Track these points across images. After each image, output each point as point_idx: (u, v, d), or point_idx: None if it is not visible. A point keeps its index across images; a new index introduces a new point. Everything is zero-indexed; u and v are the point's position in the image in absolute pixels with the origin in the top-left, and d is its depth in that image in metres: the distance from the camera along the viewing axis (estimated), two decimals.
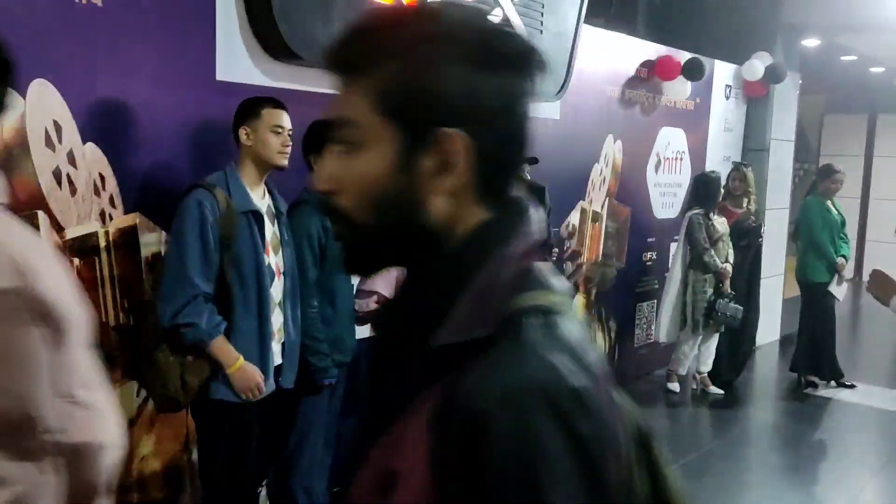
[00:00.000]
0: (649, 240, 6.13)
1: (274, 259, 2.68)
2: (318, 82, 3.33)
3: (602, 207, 5.49)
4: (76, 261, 2.65)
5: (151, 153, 2.83)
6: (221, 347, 2.47)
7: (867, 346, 8.16)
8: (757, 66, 6.53)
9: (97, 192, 2.69)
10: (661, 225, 6.26)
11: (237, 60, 3.06)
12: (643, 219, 6.01)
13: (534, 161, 4.18)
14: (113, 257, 2.74)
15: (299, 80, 3.27)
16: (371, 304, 3.13)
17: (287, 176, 2.86)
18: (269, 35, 3.06)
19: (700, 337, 5.52)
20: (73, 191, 2.62)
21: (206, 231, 2.44)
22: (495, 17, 3.96)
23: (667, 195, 6.29)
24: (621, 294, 5.87)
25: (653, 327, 6.30)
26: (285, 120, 2.64)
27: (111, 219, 2.74)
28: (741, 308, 5.39)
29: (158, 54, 2.81)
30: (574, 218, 5.21)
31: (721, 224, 5.46)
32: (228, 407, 2.52)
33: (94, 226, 2.69)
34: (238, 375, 2.49)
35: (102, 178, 2.70)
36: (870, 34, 7.69)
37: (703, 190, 5.49)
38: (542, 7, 4.28)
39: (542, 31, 4.31)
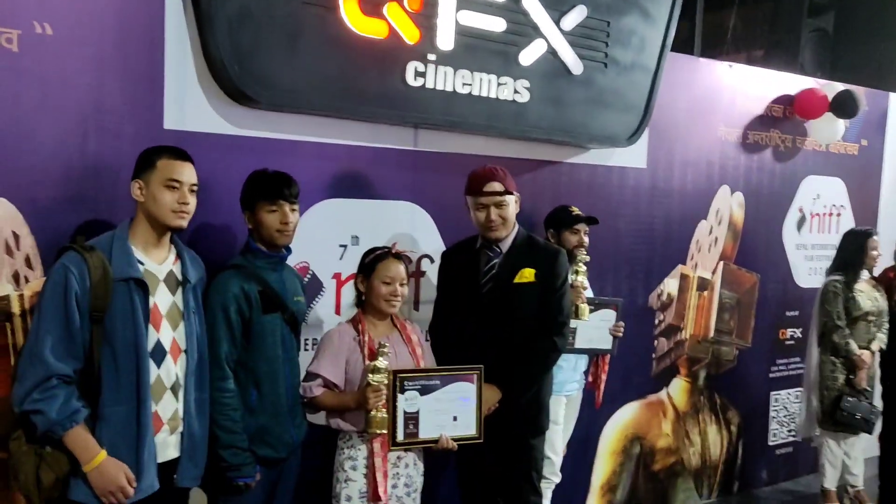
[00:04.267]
0: (789, 314, 5.00)
1: (171, 334, 2.26)
2: (283, 127, 2.94)
3: (714, 273, 4.52)
4: None
5: (79, 211, 2.56)
6: (77, 440, 2.08)
7: None
8: None
9: (9, 252, 2.46)
10: (808, 296, 5.08)
11: (190, 106, 2.74)
12: (779, 288, 4.91)
13: (592, 221, 3.46)
14: (29, 323, 2.48)
15: (265, 126, 2.90)
16: (315, 389, 2.60)
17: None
18: (222, 77, 2.71)
19: (842, 438, 4.31)
20: None
21: (69, 301, 2.08)
22: (538, 50, 3.35)
23: (816, 259, 5.12)
24: (748, 380, 4.80)
25: (797, 421, 5.11)
26: (185, 174, 2.25)
27: (27, 280, 2.49)
28: (877, 409, 4.13)
29: (91, 98, 2.56)
30: (670, 285, 4.32)
31: (871, 298, 4.26)
32: None
33: (5, 288, 2.46)
34: (96, 474, 2.08)
35: (16, 236, 2.47)
36: None
37: (846, 251, 4.35)
38: (607, 36, 3.58)
39: (605, 65, 3.60)
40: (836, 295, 4.21)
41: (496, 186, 2.84)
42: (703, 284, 4.48)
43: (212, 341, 2.38)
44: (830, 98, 4.71)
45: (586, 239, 3.47)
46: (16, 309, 2.48)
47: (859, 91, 4.76)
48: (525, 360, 2.83)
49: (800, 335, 5.06)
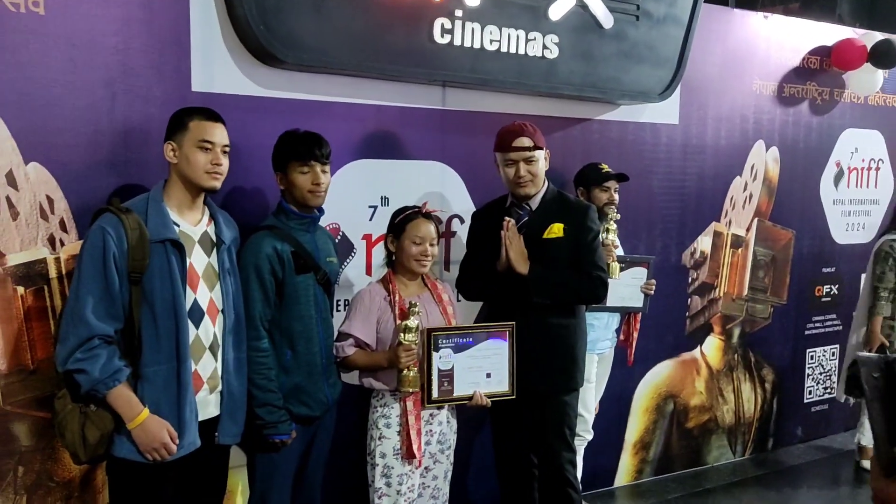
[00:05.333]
0: (825, 270, 4.91)
1: (208, 294, 2.29)
2: (310, 88, 2.93)
3: (748, 231, 4.45)
4: (20, 289, 2.46)
5: (111, 175, 2.58)
6: (121, 398, 2.12)
7: None
8: None
9: (44, 216, 2.49)
10: (846, 252, 4.99)
11: (217, 68, 2.74)
12: (815, 244, 4.82)
13: (622, 178, 3.41)
14: (66, 286, 2.52)
15: (292, 87, 2.88)
16: (347, 349, 2.62)
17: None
18: (248, 37, 2.69)
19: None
20: (15, 214, 2.44)
21: (108, 262, 2.10)
22: (568, 3, 3.28)
23: (855, 214, 5.02)
24: (783, 337, 4.74)
25: (833, 378, 5.06)
26: (217, 134, 2.25)
27: (62, 244, 2.53)
28: None
29: (119, 61, 2.56)
30: (704, 243, 4.26)
31: None
32: (135, 467, 2.17)
33: (41, 252, 2.50)
34: (140, 432, 2.13)
35: (50, 200, 2.50)
36: None
37: None
38: None
39: (637, 18, 3.52)
40: (888, 255, 4.12)
41: (525, 142, 2.81)
42: (737, 242, 4.41)
43: (246, 302, 2.40)
44: (869, 48, 4.55)
45: (616, 196, 3.42)
46: (52, 272, 2.52)
47: None
48: (573, 276, 2.82)
49: (836, 292, 4.98)
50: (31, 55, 2.42)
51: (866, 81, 4.68)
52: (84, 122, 2.52)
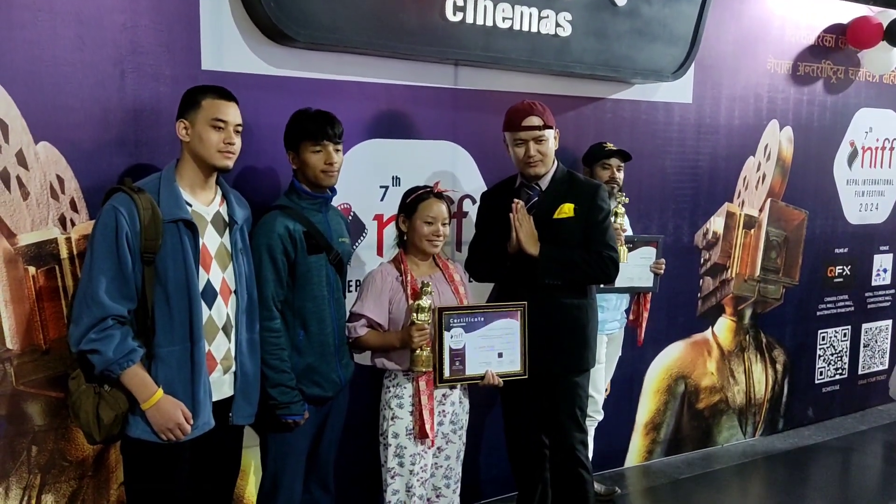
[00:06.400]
0: (838, 251, 4.88)
1: (221, 275, 2.27)
2: (321, 67, 2.89)
3: (761, 211, 4.41)
4: (32, 269, 2.46)
5: (121, 154, 2.56)
6: (135, 378, 2.11)
7: None
8: None
9: (54, 196, 2.48)
10: (859, 232, 4.95)
11: (227, 46, 2.70)
12: (828, 225, 4.78)
13: (624, 155, 3.37)
14: (77, 266, 2.51)
15: (303, 65, 2.85)
16: (359, 329, 2.61)
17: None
18: (259, 15, 2.66)
19: None
20: (25, 194, 2.42)
21: (121, 242, 2.09)
22: None
23: (868, 195, 4.97)
24: (795, 318, 4.72)
25: (844, 359, 5.04)
26: (231, 113, 2.23)
27: (73, 224, 2.51)
28: None
29: (128, 38, 2.53)
30: (716, 224, 4.23)
31: None
32: (150, 448, 2.17)
33: (52, 232, 2.49)
34: (154, 412, 2.12)
35: (61, 180, 2.48)
36: None
37: None
38: None
39: None
40: None
41: (535, 121, 2.78)
42: (750, 222, 4.37)
43: (258, 282, 2.38)
44: (885, 26, 4.48)
45: (620, 175, 3.38)
46: (64, 252, 2.51)
47: None
48: (583, 256, 2.79)
49: (848, 273, 4.95)
50: (39, 33, 2.39)
51: (882, 60, 4.61)
52: (93, 100, 2.50)
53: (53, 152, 2.45)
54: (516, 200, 2.79)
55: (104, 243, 2.10)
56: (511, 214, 2.76)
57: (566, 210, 2.82)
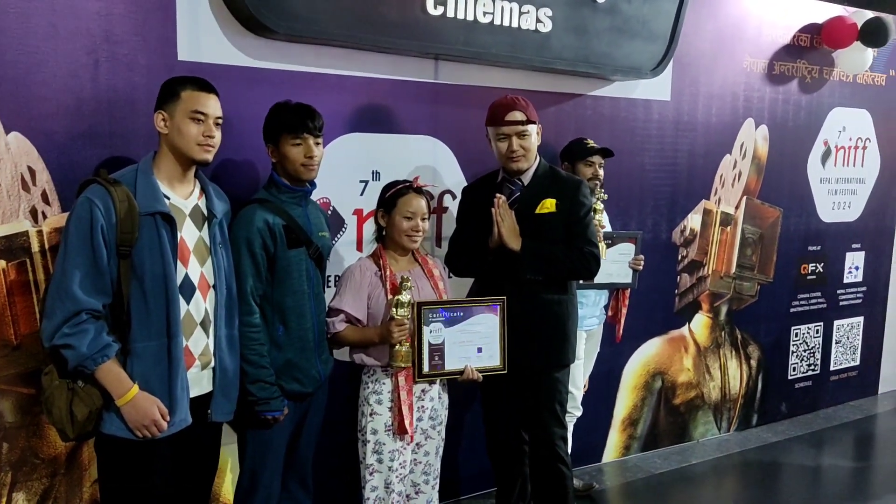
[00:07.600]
0: (811, 248, 4.94)
1: (199, 269, 2.23)
2: (301, 59, 2.86)
3: (737, 208, 4.45)
4: (2, 263, 2.39)
5: (94, 146, 2.50)
6: (109, 374, 2.07)
7: None
8: None
9: (26, 188, 2.42)
10: (831, 230, 5.02)
11: (204, 37, 2.66)
12: (802, 223, 4.84)
13: (606, 153, 3.38)
14: (49, 260, 2.46)
15: (282, 57, 2.81)
16: (338, 325, 2.59)
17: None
18: (237, 5, 2.62)
19: None
20: None
21: (95, 235, 2.04)
22: None
23: (841, 193, 5.04)
24: (768, 315, 4.77)
25: (817, 356, 5.11)
26: (211, 106, 2.18)
27: (45, 217, 2.46)
28: None
29: (103, 29, 2.48)
30: (693, 221, 4.26)
31: None
32: (124, 445, 2.12)
33: (23, 225, 2.43)
34: (129, 409, 2.08)
35: (32, 171, 2.42)
36: None
37: None
38: None
39: None
40: None
41: (518, 116, 2.77)
42: (727, 219, 4.41)
43: (237, 276, 2.35)
44: (859, 26, 4.54)
45: (601, 172, 3.39)
46: (35, 246, 2.45)
47: (889, 19, 4.59)
48: (565, 252, 2.79)
49: (821, 270, 5.02)
50: (10, 20, 2.33)
51: (856, 60, 4.67)
52: (66, 90, 2.44)
53: (25, 143, 2.39)
54: (498, 195, 2.78)
55: (78, 236, 2.05)
56: (493, 209, 2.75)
57: (548, 205, 2.82)
